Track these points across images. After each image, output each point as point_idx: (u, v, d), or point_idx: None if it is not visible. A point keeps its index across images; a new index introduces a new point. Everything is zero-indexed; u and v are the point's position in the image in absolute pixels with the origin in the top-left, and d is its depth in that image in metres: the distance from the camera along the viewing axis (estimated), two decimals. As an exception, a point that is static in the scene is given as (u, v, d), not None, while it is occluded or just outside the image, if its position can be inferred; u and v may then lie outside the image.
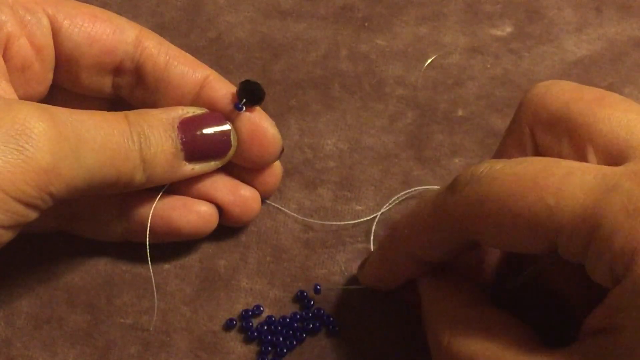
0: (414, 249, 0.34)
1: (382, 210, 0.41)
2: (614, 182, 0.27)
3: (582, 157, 0.31)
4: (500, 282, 0.37)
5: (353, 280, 0.40)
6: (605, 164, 0.30)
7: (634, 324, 0.26)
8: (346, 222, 0.41)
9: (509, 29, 0.47)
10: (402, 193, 0.41)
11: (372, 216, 0.41)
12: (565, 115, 0.32)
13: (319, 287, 0.39)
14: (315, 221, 0.41)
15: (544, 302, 0.36)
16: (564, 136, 0.32)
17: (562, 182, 0.28)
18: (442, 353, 0.32)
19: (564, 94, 0.32)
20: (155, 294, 0.39)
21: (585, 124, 0.31)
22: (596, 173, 0.28)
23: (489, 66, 0.45)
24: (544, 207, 0.28)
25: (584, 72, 0.45)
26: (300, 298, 0.39)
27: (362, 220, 0.41)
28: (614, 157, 0.30)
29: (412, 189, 0.41)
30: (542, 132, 0.33)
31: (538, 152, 0.33)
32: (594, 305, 0.28)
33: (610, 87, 0.44)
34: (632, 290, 0.26)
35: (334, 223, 0.41)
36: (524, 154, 0.33)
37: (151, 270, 0.39)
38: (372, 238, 0.40)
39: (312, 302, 0.39)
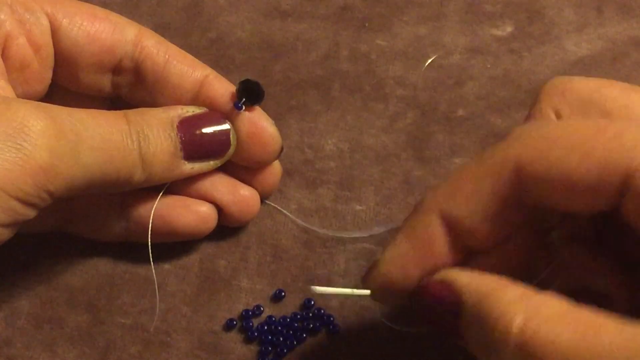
0: (450, 208, 0.29)
1: (375, 232, 0.41)
2: None
3: None
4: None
5: (353, 280, 0.40)
6: None
7: None
8: (342, 235, 0.41)
9: (509, 29, 0.47)
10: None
11: (368, 234, 0.41)
12: (598, 98, 0.31)
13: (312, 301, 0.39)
14: (315, 228, 0.41)
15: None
16: (598, 118, 0.30)
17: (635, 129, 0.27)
18: (511, 343, 0.25)
19: (591, 82, 0.32)
20: (157, 293, 0.39)
21: (622, 106, 0.30)
22: None
23: (489, 66, 0.45)
24: (619, 145, 0.26)
25: (584, 72, 0.45)
26: (278, 297, 0.40)
27: (358, 236, 0.41)
28: None
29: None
30: (573, 115, 0.31)
31: None
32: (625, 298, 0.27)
33: (610, 87, 0.44)
34: None
35: (332, 235, 0.41)
36: None
37: (153, 270, 0.39)
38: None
39: (312, 302, 0.39)
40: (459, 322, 0.28)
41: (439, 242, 0.30)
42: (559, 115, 0.32)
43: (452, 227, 0.30)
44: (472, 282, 0.28)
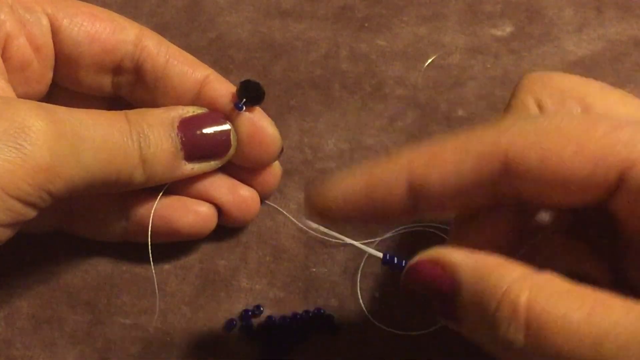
0: (422, 175, 0.29)
1: (378, 239, 0.41)
2: None
3: None
4: None
5: (352, 279, 0.40)
6: None
7: None
8: (336, 240, 0.40)
9: (509, 29, 0.47)
10: (404, 227, 0.40)
11: (366, 241, 0.40)
12: (578, 93, 0.31)
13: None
14: (312, 232, 0.41)
15: None
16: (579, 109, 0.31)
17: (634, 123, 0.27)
18: (520, 320, 0.25)
19: (570, 77, 0.32)
20: (157, 293, 0.39)
21: (602, 103, 0.30)
22: None
23: (489, 66, 0.45)
24: (615, 140, 0.26)
25: (584, 72, 0.45)
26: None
27: (355, 243, 0.40)
28: None
29: (417, 224, 0.41)
30: (555, 106, 0.31)
31: None
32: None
33: (610, 87, 0.45)
34: None
35: (331, 239, 0.41)
36: None
37: (153, 270, 0.39)
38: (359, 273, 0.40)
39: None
40: (453, 302, 0.27)
41: (395, 197, 0.29)
42: (540, 106, 0.31)
43: (415, 191, 0.29)
44: (468, 260, 0.27)
